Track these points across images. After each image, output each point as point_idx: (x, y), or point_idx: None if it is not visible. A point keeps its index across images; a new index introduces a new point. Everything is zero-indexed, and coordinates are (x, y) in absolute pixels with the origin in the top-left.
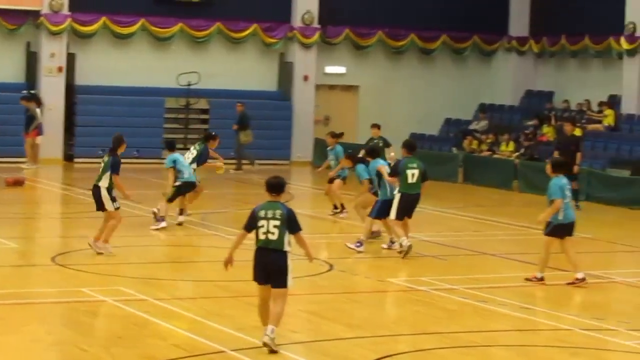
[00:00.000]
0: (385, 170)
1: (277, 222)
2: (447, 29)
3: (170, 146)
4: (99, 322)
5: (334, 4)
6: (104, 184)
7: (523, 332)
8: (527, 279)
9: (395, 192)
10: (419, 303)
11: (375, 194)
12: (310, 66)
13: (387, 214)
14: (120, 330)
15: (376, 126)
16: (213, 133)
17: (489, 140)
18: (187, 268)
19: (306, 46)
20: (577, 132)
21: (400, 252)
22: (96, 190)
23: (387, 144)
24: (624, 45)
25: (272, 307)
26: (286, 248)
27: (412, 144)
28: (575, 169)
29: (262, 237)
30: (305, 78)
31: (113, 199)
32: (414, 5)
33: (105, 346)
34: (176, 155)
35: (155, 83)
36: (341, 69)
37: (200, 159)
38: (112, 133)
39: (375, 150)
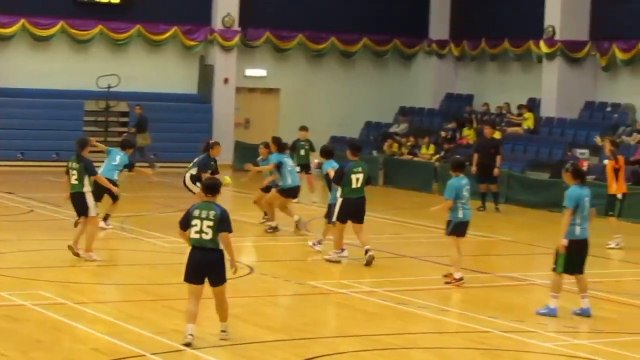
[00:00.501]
0: (332, 174)
1: (211, 223)
2: (367, 32)
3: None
4: (17, 327)
5: (254, 6)
6: (87, 189)
7: (443, 334)
8: (447, 282)
9: (338, 195)
10: (339, 306)
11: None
12: (231, 69)
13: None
14: (39, 335)
15: (304, 129)
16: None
17: (409, 143)
18: (107, 272)
19: (226, 49)
20: (497, 135)
21: (330, 260)
22: (80, 197)
23: (312, 148)
24: (543, 48)
25: (216, 305)
26: (221, 246)
27: (358, 146)
28: (496, 171)
29: (195, 235)
30: (226, 81)
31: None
32: (335, 9)
33: (25, 351)
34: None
35: (74, 86)
36: (262, 72)
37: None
38: (32, 136)
39: (330, 151)
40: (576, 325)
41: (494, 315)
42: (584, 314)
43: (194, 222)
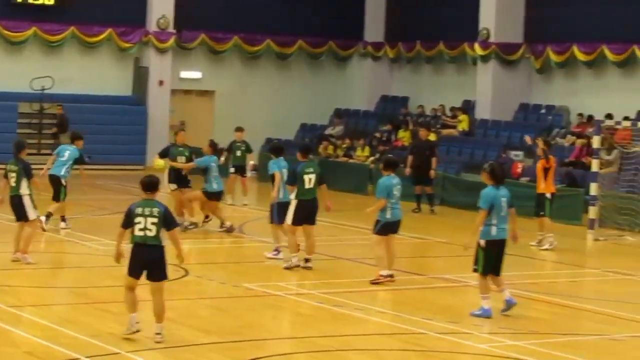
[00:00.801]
0: (278, 175)
1: (155, 220)
2: (302, 34)
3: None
4: None
5: (189, 8)
6: (25, 191)
7: (378, 335)
8: (374, 282)
9: (292, 197)
10: (274, 308)
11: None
12: (166, 71)
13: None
14: None
15: (240, 129)
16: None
17: (344, 145)
18: (41, 275)
19: (161, 51)
20: (432, 137)
21: (289, 267)
22: (17, 200)
23: (248, 149)
24: (478, 51)
25: (155, 303)
26: (163, 243)
27: (308, 147)
28: (432, 173)
29: (139, 233)
30: (161, 83)
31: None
32: (270, 11)
33: None
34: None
35: (8, 87)
36: (197, 74)
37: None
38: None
39: (279, 148)
40: (511, 326)
41: (428, 316)
42: (510, 303)
43: (138, 219)
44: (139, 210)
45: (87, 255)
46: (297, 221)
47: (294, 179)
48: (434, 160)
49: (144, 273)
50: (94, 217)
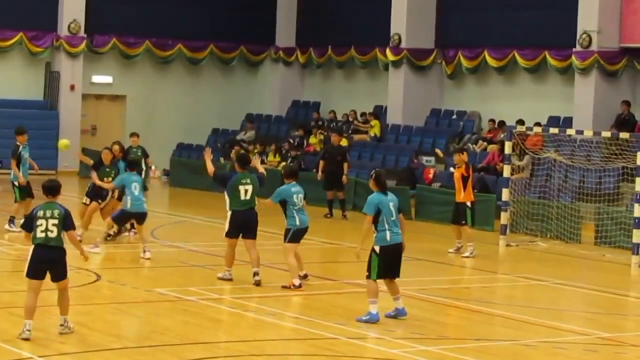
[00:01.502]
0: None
1: (56, 221)
2: (214, 39)
3: None
4: None
5: (100, 12)
6: None
7: (290, 340)
8: (284, 287)
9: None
10: (187, 313)
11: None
12: (77, 75)
13: None
14: None
15: (135, 135)
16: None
17: (256, 151)
18: None
19: (73, 55)
20: (344, 142)
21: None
22: None
23: (145, 154)
24: (390, 56)
25: (61, 299)
26: (64, 244)
27: (245, 159)
28: (344, 179)
29: (40, 235)
30: (72, 87)
31: None
32: (182, 15)
33: None
34: None
35: None
36: (108, 79)
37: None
38: None
39: (136, 162)
40: (422, 331)
41: (341, 321)
42: (400, 314)
43: (39, 222)
44: (40, 213)
45: None
46: (231, 233)
47: (229, 188)
48: (345, 166)
49: (47, 274)
50: (4, 222)
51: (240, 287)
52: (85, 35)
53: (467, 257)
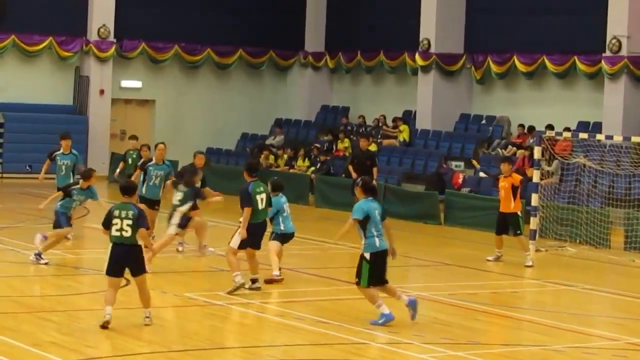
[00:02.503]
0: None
1: (130, 222)
2: (243, 44)
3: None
4: None
5: (129, 18)
6: None
7: (319, 346)
8: (267, 281)
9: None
10: (215, 318)
11: None
12: (106, 80)
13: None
14: None
15: (134, 137)
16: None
17: (285, 156)
18: None
19: (102, 60)
20: (372, 147)
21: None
22: None
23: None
24: (419, 61)
25: (141, 292)
26: (139, 242)
27: (254, 166)
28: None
29: (116, 233)
30: (101, 92)
31: None
32: (210, 21)
33: None
34: None
35: None
36: (137, 83)
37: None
38: None
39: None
40: (451, 337)
41: (370, 327)
42: (413, 303)
43: (115, 221)
44: (116, 212)
45: (28, 264)
46: (243, 244)
47: (248, 199)
48: (375, 170)
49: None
50: (36, 226)
51: (268, 292)
52: (114, 40)
53: (529, 266)
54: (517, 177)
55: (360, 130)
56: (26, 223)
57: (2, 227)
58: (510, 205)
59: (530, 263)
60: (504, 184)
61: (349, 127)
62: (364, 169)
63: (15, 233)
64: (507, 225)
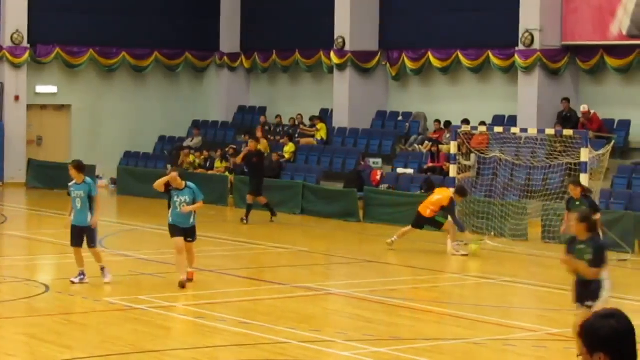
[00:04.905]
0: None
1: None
2: (158, 46)
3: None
4: None
5: (43, 22)
6: None
7: (242, 346)
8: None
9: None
10: (137, 322)
11: None
12: (21, 86)
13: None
14: None
15: None
16: None
17: (203, 157)
18: None
19: (16, 66)
20: (262, 146)
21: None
22: None
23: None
24: (334, 59)
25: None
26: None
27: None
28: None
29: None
30: (16, 98)
31: None
32: (125, 24)
33: None
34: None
35: None
36: (52, 89)
37: None
38: None
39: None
40: (374, 333)
41: (292, 325)
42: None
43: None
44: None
45: None
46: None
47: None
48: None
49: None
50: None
51: (189, 294)
52: (28, 46)
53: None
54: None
55: (278, 130)
56: None
57: None
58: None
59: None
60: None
61: (267, 127)
62: (252, 166)
63: None
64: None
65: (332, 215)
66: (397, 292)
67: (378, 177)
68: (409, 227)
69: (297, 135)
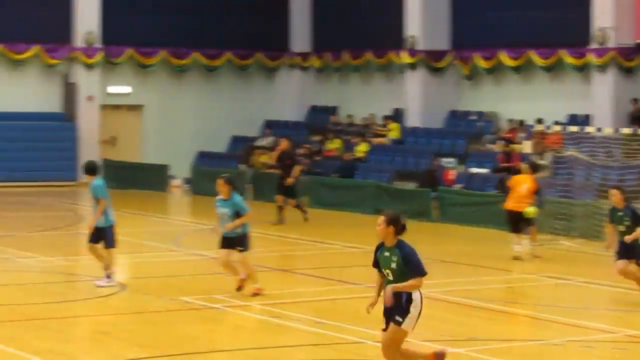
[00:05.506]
0: None
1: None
2: (229, 46)
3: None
4: None
5: (115, 23)
6: None
7: (317, 346)
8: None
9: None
10: (212, 321)
11: None
12: (94, 86)
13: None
14: None
15: None
16: None
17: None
18: None
19: (89, 66)
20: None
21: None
22: None
23: None
24: (406, 59)
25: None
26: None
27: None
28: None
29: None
30: (90, 98)
31: None
32: (197, 24)
33: None
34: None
35: None
36: (125, 89)
37: None
38: None
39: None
40: (450, 333)
41: (366, 325)
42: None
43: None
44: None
45: (22, 272)
46: None
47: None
48: (296, 168)
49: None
50: (29, 235)
51: (265, 293)
52: (101, 46)
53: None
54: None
55: (350, 130)
56: (20, 232)
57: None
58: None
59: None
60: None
61: (339, 127)
62: (285, 167)
63: (9, 241)
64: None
65: (404, 215)
66: (471, 293)
67: (452, 177)
68: (531, 228)
69: (369, 135)
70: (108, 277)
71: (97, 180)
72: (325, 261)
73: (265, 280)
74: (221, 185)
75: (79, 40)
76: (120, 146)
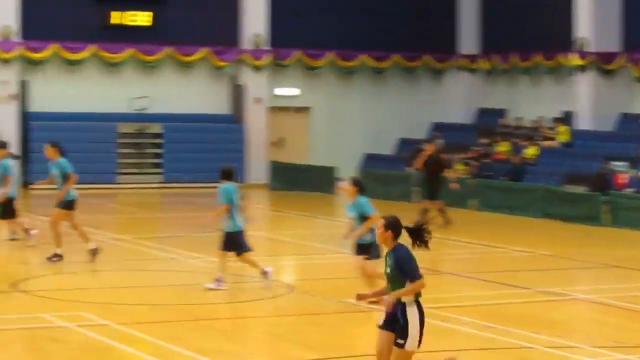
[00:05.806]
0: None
1: None
2: (397, 48)
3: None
4: (60, 348)
5: (283, 26)
6: None
7: (484, 350)
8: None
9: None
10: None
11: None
12: (262, 88)
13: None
14: (82, 356)
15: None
16: None
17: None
18: (145, 292)
19: (257, 68)
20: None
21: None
22: None
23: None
24: (576, 61)
25: None
26: None
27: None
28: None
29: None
30: (257, 100)
31: None
32: (364, 26)
33: None
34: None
35: (107, 108)
36: (294, 91)
37: None
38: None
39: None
40: (620, 339)
41: (535, 330)
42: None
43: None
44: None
45: (189, 273)
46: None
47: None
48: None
49: None
50: (197, 235)
51: (430, 297)
52: (268, 48)
53: None
54: None
55: (518, 132)
56: (188, 233)
57: (165, 237)
58: None
59: None
60: None
61: (507, 130)
62: (431, 172)
63: (178, 242)
64: None
65: (574, 219)
66: None
67: (624, 181)
68: None
69: (538, 138)
70: (218, 280)
71: (227, 185)
72: (494, 264)
73: (433, 283)
74: (347, 187)
75: (246, 43)
76: (287, 148)
